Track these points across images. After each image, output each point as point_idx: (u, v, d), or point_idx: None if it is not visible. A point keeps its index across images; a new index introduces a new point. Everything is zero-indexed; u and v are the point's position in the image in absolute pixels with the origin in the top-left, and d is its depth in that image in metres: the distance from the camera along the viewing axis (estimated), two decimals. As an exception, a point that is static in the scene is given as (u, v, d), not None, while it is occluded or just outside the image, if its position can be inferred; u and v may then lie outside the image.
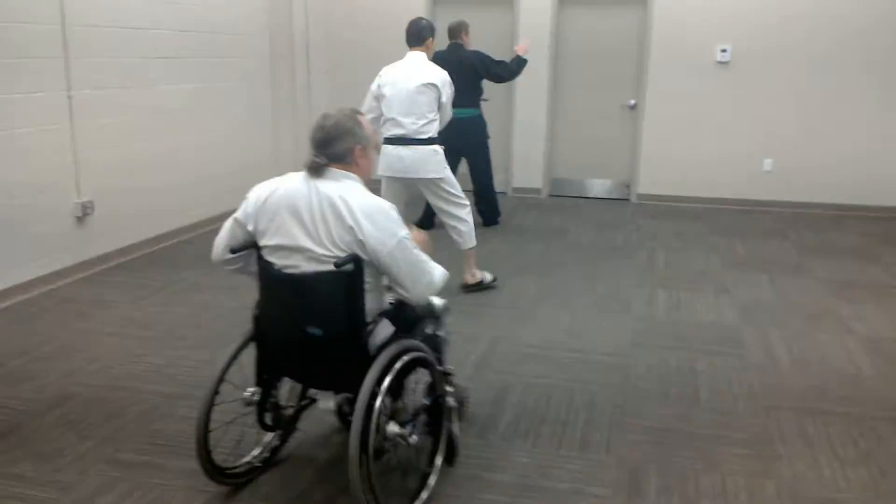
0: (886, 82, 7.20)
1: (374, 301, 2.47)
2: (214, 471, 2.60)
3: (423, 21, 4.79)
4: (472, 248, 4.85)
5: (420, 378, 2.67)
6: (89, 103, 5.04)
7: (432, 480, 2.65)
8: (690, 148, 7.77)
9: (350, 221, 2.32)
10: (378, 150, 2.68)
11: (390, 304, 2.62)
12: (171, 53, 5.86)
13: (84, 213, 5.09)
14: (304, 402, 2.87)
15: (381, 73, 4.65)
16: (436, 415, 2.68)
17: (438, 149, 4.61)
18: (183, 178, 6.09)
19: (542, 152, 8.13)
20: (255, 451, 2.82)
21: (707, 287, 5.09)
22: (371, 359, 2.39)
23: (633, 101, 7.87)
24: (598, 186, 8.22)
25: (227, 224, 2.57)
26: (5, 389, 3.42)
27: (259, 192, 2.49)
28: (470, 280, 4.92)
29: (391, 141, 4.58)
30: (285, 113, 7.54)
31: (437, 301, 2.80)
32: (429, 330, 2.82)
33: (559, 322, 4.39)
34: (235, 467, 2.72)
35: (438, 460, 2.69)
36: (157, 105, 5.72)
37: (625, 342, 4.10)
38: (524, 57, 6.17)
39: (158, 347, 3.94)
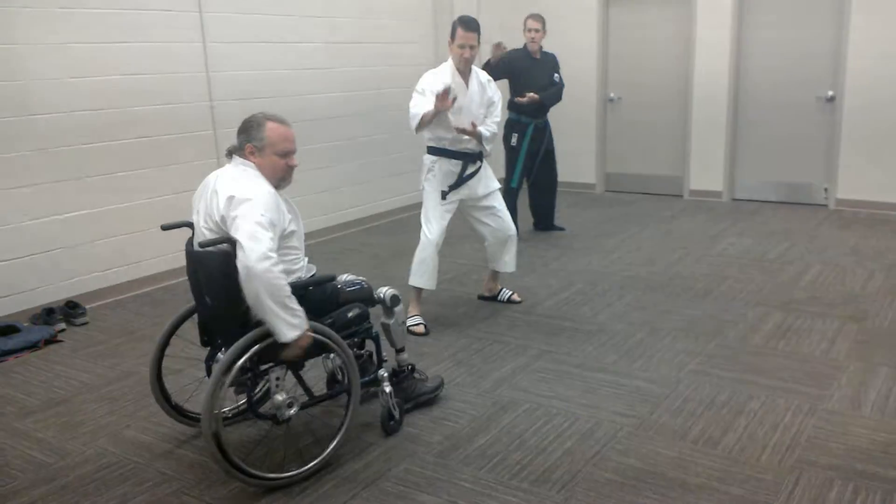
0: None
1: None
2: (171, 408, 3.10)
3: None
4: (411, 287, 4.31)
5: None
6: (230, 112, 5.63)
7: (318, 460, 2.83)
8: (903, 146, 6.59)
9: (220, 203, 2.62)
10: (279, 156, 2.75)
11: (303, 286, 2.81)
12: (322, 65, 6.31)
13: (226, 211, 5.69)
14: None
15: None
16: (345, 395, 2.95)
17: (425, 158, 4.30)
18: (324, 183, 6.54)
19: (722, 151, 7.41)
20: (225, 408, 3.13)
21: (840, 313, 4.32)
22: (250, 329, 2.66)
23: (830, 93, 6.85)
24: (789, 190, 7.29)
25: None
26: (98, 362, 3.98)
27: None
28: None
29: None
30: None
31: (385, 291, 3.21)
32: (385, 319, 3.22)
33: (627, 341, 4.02)
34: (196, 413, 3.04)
35: (333, 443, 2.89)
36: (301, 112, 6.19)
37: (684, 370, 3.66)
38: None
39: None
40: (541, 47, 6.00)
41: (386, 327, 3.25)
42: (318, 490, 2.75)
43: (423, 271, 4.26)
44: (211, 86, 5.48)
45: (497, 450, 2.99)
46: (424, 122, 4.06)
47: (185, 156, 5.36)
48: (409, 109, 4.11)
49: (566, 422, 3.18)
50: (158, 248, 5.21)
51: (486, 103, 4.26)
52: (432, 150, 4.28)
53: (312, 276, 2.95)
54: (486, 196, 4.37)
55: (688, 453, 2.92)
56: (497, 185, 4.45)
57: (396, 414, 3.13)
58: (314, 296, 2.85)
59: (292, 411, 2.76)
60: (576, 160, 7.91)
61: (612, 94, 7.94)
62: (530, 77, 5.92)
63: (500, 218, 4.43)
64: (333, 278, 2.97)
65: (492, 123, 4.27)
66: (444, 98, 3.90)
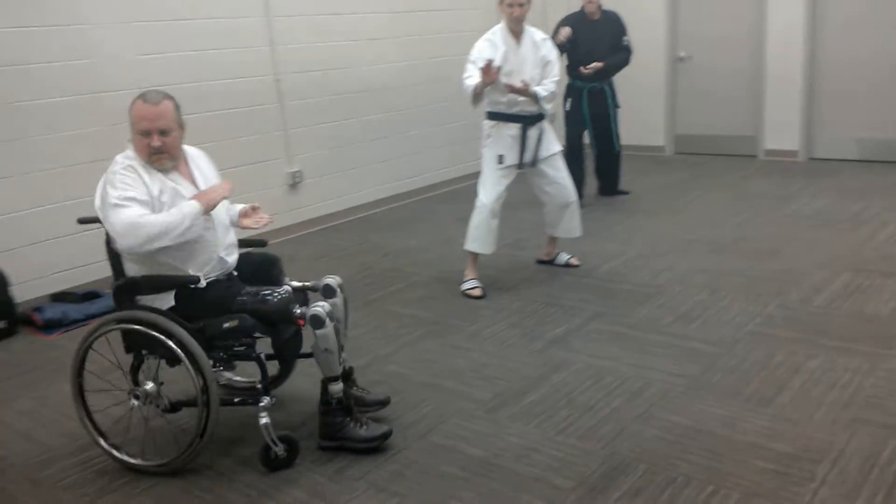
0: None
1: (137, 263, 2.78)
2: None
3: None
4: (468, 252, 4.40)
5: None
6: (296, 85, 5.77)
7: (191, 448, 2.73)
8: None
9: None
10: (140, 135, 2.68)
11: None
12: (381, 34, 6.38)
13: (294, 182, 5.87)
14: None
15: None
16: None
17: (483, 123, 4.34)
18: (388, 152, 6.64)
19: (798, 108, 7.13)
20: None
21: (914, 272, 4.16)
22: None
23: (915, 43, 6.50)
24: (871, 147, 6.96)
25: None
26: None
27: None
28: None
29: None
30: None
31: (309, 309, 2.72)
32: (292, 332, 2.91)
33: (684, 303, 3.98)
34: None
35: (175, 454, 2.77)
36: (360, 82, 6.29)
37: (742, 330, 3.60)
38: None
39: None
40: (600, 6, 5.86)
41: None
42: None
43: (477, 236, 4.31)
44: (275, 59, 5.62)
45: (545, 407, 3.04)
46: (477, 95, 4.09)
47: (251, 129, 5.55)
48: (462, 81, 4.13)
49: (616, 381, 3.20)
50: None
51: (542, 62, 4.23)
52: (490, 115, 4.30)
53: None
54: (546, 160, 4.36)
55: (738, 412, 2.90)
56: (559, 148, 4.43)
57: (279, 450, 2.71)
58: (208, 294, 2.72)
59: (133, 403, 2.81)
60: (644, 122, 7.75)
61: (681, 53, 7.72)
62: (589, 42, 5.76)
63: (559, 184, 4.42)
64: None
65: (550, 83, 4.22)
66: (488, 71, 3.92)
